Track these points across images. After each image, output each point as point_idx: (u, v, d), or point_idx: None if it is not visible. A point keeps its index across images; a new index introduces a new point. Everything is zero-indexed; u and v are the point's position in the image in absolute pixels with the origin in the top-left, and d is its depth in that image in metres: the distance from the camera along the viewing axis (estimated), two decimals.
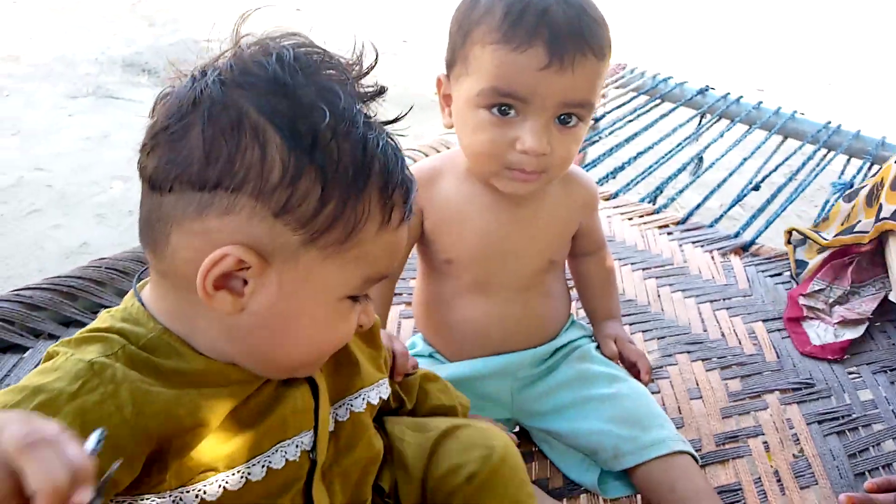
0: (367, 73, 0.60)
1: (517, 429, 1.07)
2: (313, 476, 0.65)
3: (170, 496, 0.56)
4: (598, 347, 1.09)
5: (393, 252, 0.61)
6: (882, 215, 1.34)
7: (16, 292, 1.12)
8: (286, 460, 0.62)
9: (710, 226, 1.67)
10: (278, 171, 0.52)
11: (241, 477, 0.59)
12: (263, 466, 0.61)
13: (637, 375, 1.05)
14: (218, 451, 0.58)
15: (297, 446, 0.63)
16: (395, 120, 0.61)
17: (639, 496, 0.97)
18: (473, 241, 0.95)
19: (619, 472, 0.97)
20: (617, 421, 0.97)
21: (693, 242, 1.60)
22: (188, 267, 0.54)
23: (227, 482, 0.58)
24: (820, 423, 1.13)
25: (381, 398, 0.74)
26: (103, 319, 0.60)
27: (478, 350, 1.01)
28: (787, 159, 1.84)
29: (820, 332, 1.31)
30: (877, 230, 1.34)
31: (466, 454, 0.77)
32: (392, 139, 0.60)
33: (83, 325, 1.12)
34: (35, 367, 1.01)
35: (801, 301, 1.37)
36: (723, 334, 1.32)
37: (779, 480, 1.03)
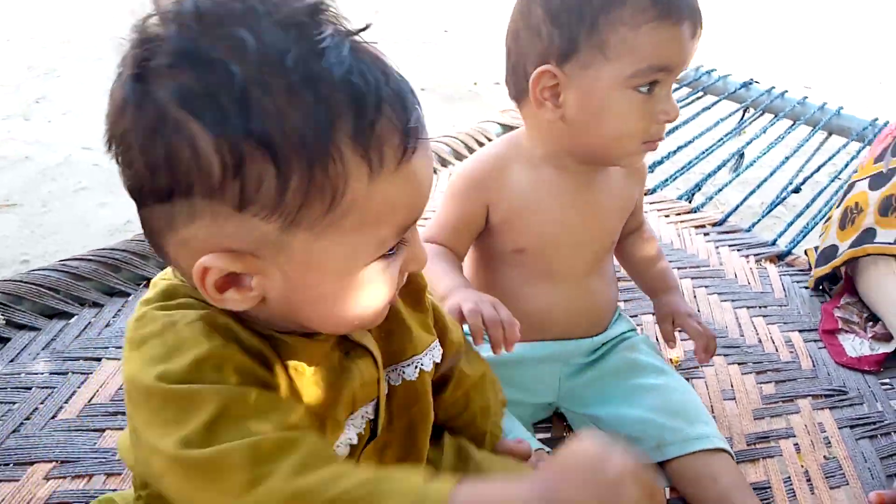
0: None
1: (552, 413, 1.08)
2: (365, 446, 0.65)
3: None
4: (645, 341, 1.10)
5: (409, 194, 0.51)
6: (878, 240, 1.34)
7: (62, 262, 1.17)
8: (357, 433, 0.62)
9: (748, 230, 1.64)
10: (216, 163, 0.45)
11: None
12: (346, 446, 0.61)
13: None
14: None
15: (362, 417, 0.63)
16: (363, 28, 0.50)
17: (667, 489, 0.97)
18: (547, 229, 0.95)
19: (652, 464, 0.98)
20: (662, 411, 0.98)
21: (730, 246, 1.57)
22: (191, 276, 0.50)
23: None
24: (852, 427, 1.12)
25: (434, 363, 0.71)
26: (166, 290, 0.56)
27: (538, 336, 1.00)
28: (830, 158, 1.80)
29: (856, 345, 1.29)
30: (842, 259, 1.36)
31: None
32: (367, 53, 0.48)
33: (126, 294, 1.17)
34: (78, 335, 1.06)
35: (837, 314, 1.35)
36: (759, 340, 1.30)
37: (808, 480, 1.01)
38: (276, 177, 0.45)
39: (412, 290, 0.70)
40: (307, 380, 0.57)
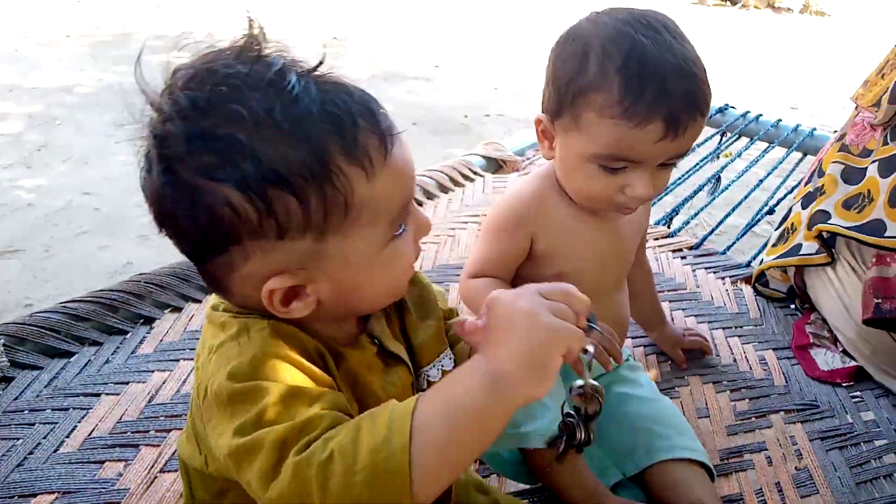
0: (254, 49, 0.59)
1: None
2: None
3: None
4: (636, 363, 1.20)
5: (399, 181, 0.61)
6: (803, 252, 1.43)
7: (63, 304, 1.22)
8: None
9: (723, 252, 1.70)
10: (251, 210, 0.55)
11: None
12: None
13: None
14: None
15: None
16: (318, 65, 0.60)
17: None
18: (582, 254, 1.03)
19: (631, 481, 1.03)
20: (656, 420, 1.06)
21: (706, 268, 1.63)
22: (259, 301, 0.60)
23: None
24: (823, 439, 1.16)
25: (442, 369, 0.78)
26: (225, 322, 0.64)
27: None
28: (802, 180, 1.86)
29: (828, 359, 1.34)
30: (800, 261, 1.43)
31: None
32: (328, 83, 0.58)
33: (124, 332, 1.22)
34: (79, 373, 1.12)
35: (808, 329, 1.40)
36: (734, 360, 1.34)
37: (780, 491, 1.06)
38: (299, 204, 0.56)
39: (424, 301, 0.79)
40: (359, 381, 0.67)
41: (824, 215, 1.37)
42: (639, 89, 0.85)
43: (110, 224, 2.50)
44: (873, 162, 1.35)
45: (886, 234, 1.25)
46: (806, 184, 1.57)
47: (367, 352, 0.69)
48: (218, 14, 5.43)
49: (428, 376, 0.77)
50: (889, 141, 1.34)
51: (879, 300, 1.24)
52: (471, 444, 0.55)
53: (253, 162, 0.54)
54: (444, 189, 1.84)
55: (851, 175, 1.39)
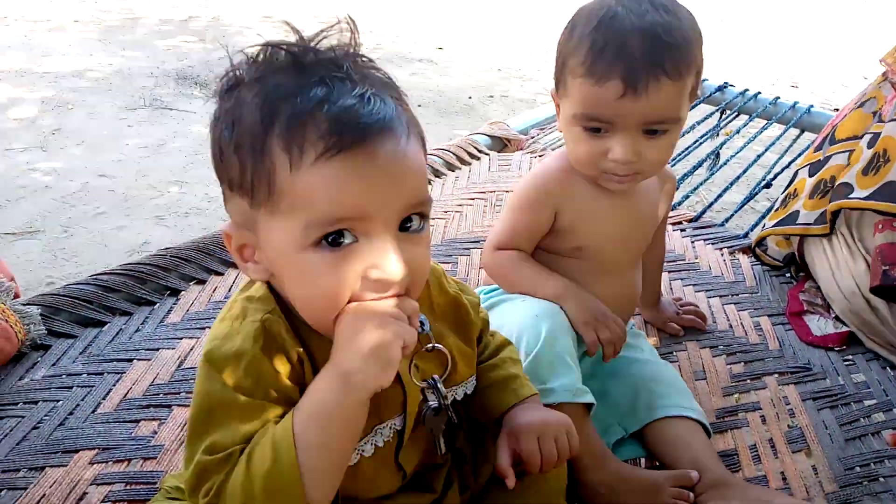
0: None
1: None
2: (400, 448, 0.78)
3: None
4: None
5: (327, 187, 0.60)
6: (800, 221, 1.47)
7: (94, 276, 1.29)
8: (384, 440, 0.75)
9: (722, 224, 1.76)
10: (217, 155, 0.66)
11: (357, 455, 0.72)
12: (372, 444, 0.74)
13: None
14: None
15: (390, 428, 0.75)
16: (356, 57, 0.65)
17: (642, 460, 1.08)
18: (602, 231, 1.10)
19: (632, 438, 1.10)
20: (657, 381, 1.13)
21: (704, 240, 1.69)
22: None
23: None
24: (814, 399, 1.23)
25: (466, 393, 0.84)
26: (235, 301, 0.73)
27: None
28: (801, 154, 1.90)
29: (821, 325, 1.40)
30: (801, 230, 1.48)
31: None
32: (350, 82, 0.62)
33: (152, 303, 1.29)
34: (111, 340, 1.19)
35: (801, 297, 1.46)
36: (730, 326, 1.41)
37: (773, 447, 1.12)
38: (240, 165, 0.63)
39: (461, 323, 0.83)
40: None
41: (847, 188, 1.37)
42: (600, 49, 0.94)
43: (126, 205, 2.56)
44: (891, 120, 1.35)
45: None
46: (816, 150, 1.59)
47: None
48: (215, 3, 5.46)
49: (455, 395, 0.81)
50: None
51: (887, 266, 1.25)
52: (342, 438, 0.65)
53: (233, 127, 0.63)
54: (452, 167, 1.90)
55: (873, 139, 1.39)
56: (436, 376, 0.76)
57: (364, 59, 0.66)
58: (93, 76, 3.76)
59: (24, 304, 1.18)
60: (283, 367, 0.67)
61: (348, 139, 0.59)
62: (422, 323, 0.70)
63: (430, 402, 0.76)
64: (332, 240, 0.62)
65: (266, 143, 0.60)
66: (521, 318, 1.03)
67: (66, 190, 2.63)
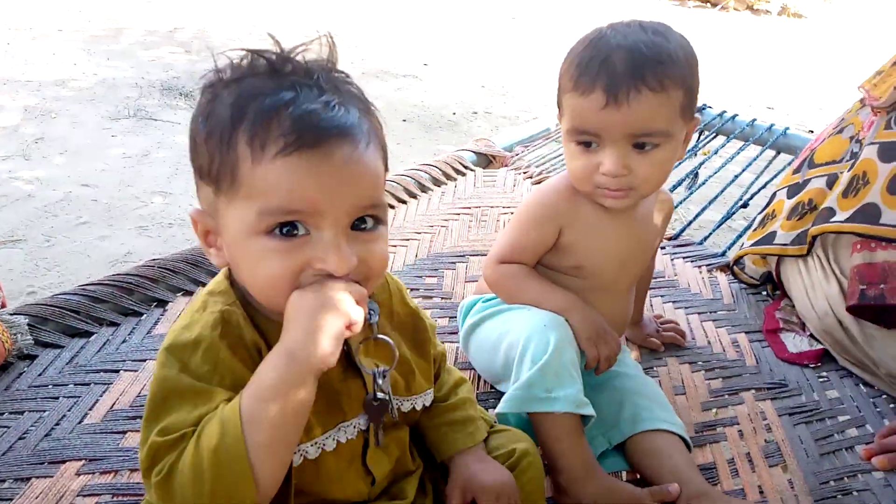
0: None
1: None
2: (367, 451, 0.81)
3: None
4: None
5: (283, 180, 0.65)
6: (777, 241, 1.51)
7: (82, 286, 1.29)
8: (346, 437, 0.78)
9: (700, 242, 1.80)
10: (192, 145, 0.70)
11: (318, 448, 0.75)
12: (333, 440, 0.77)
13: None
14: None
15: (354, 427, 0.79)
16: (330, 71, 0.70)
17: (624, 473, 1.11)
18: (605, 251, 1.12)
19: (615, 450, 1.12)
20: (641, 395, 1.15)
21: (684, 258, 1.73)
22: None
23: (307, 452, 0.75)
24: (791, 415, 1.26)
25: (424, 405, 0.88)
26: (221, 284, 0.77)
27: None
28: (777, 175, 1.96)
29: (796, 342, 1.44)
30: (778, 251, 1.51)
31: (494, 451, 0.93)
32: (303, 89, 0.67)
33: (139, 314, 1.30)
34: (98, 351, 1.19)
35: (777, 315, 1.50)
36: (709, 342, 1.44)
37: (750, 461, 1.15)
38: (209, 155, 0.68)
39: (419, 339, 0.88)
40: None
41: (829, 213, 1.40)
42: (586, 63, 0.99)
43: (109, 215, 2.56)
44: (870, 144, 1.38)
45: (881, 221, 1.29)
46: (794, 173, 1.63)
47: None
48: (208, 9, 5.47)
49: (402, 405, 0.85)
50: (893, 125, 1.37)
51: (864, 286, 1.28)
52: (286, 414, 0.66)
53: (207, 118, 0.68)
54: (438, 182, 1.92)
55: (852, 163, 1.41)
56: (383, 366, 0.78)
57: (339, 73, 0.71)
58: (76, 85, 3.75)
59: (11, 314, 1.18)
60: (239, 353, 0.70)
61: (307, 139, 0.64)
62: (371, 312, 0.73)
63: (377, 394, 0.79)
64: (287, 231, 0.66)
65: (233, 136, 0.66)
66: (529, 326, 1.06)
67: (49, 199, 2.62)
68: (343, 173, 0.66)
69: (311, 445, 0.75)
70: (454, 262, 1.58)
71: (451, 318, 1.38)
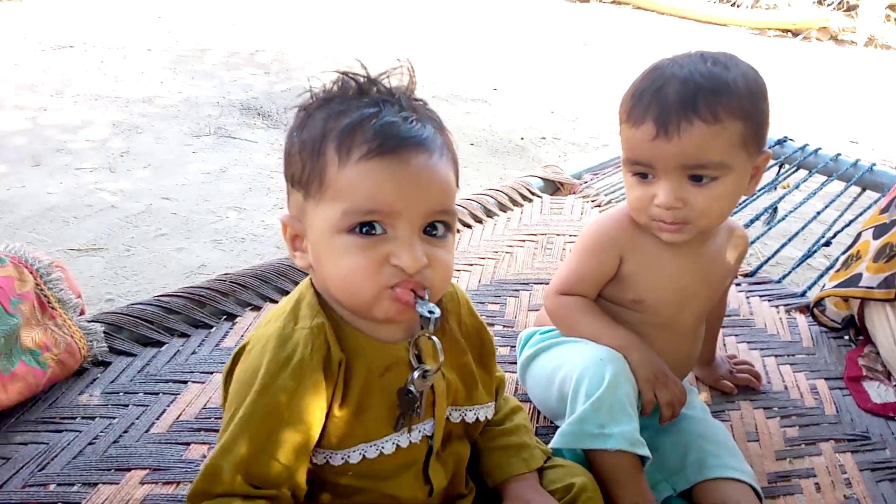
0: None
1: None
2: (430, 458, 0.83)
3: (322, 454, 0.77)
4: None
5: (365, 182, 0.71)
6: (863, 283, 1.43)
7: (156, 297, 1.34)
8: (410, 441, 0.80)
9: (778, 281, 1.72)
10: (286, 156, 0.77)
11: (377, 450, 0.78)
12: (393, 444, 0.79)
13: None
14: (362, 424, 0.78)
15: (419, 431, 0.81)
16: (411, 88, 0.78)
17: None
18: (666, 285, 1.09)
19: (680, 497, 1.07)
20: (708, 439, 1.10)
21: (760, 296, 1.65)
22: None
23: (366, 452, 0.78)
24: (873, 470, 1.18)
25: (487, 417, 0.90)
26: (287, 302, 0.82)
27: None
28: (863, 212, 1.86)
29: (881, 392, 1.35)
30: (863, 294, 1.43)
31: (551, 485, 0.92)
32: (385, 106, 0.73)
33: (209, 327, 1.33)
34: (168, 361, 1.22)
35: (860, 361, 1.42)
36: (786, 387, 1.37)
37: None
38: (302, 163, 0.74)
39: (484, 353, 0.91)
40: (364, 383, 0.78)
41: None
42: (639, 94, 0.97)
43: (187, 227, 2.65)
44: None
45: None
46: (882, 212, 1.56)
47: (396, 354, 0.79)
48: (288, 33, 5.67)
49: (465, 415, 0.87)
50: None
51: None
52: None
53: (304, 129, 0.76)
54: (504, 208, 1.91)
55: None
56: (427, 366, 0.79)
57: (418, 99, 0.78)
58: (162, 102, 3.93)
59: (88, 321, 1.22)
60: (327, 370, 0.75)
61: (387, 146, 0.71)
62: (431, 311, 0.75)
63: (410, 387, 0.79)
64: (366, 231, 0.72)
65: (323, 144, 0.73)
66: (584, 360, 1.03)
67: (131, 210, 2.74)
68: (418, 179, 0.72)
69: (371, 447, 0.78)
70: (517, 290, 1.56)
71: (511, 346, 1.36)
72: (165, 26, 5.53)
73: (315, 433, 0.75)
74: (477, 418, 0.88)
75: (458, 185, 0.79)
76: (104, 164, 3.13)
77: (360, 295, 0.74)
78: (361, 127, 0.71)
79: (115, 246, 2.51)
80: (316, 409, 0.74)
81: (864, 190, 2.06)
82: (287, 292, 1.38)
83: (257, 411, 0.73)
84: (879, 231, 1.49)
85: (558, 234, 1.79)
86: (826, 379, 1.40)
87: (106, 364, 1.22)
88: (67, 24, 5.28)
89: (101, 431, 1.09)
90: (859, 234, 1.57)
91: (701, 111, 0.94)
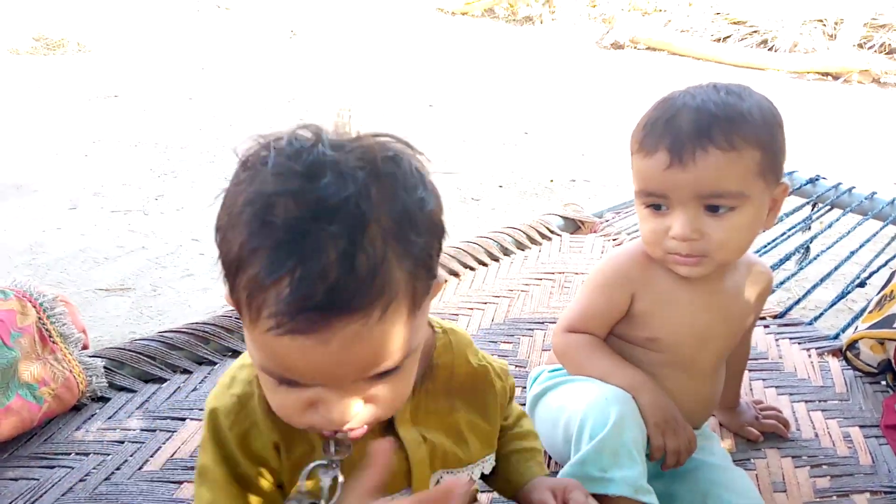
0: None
1: None
2: None
3: None
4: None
5: (274, 356, 0.58)
6: None
7: (160, 333, 1.33)
8: None
9: (810, 323, 1.64)
10: (215, 233, 0.63)
11: None
12: None
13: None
14: None
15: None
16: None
17: None
18: (680, 323, 1.05)
19: None
20: (730, 489, 1.03)
21: (790, 339, 1.57)
22: None
23: None
24: None
25: (484, 472, 0.84)
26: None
27: None
28: None
29: None
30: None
31: None
32: (321, 236, 0.54)
33: (213, 363, 1.31)
34: (168, 398, 1.21)
35: None
36: (816, 434, 1.28)
37: None
38: (224, 270, 0.60)
39: (481, 401, 0.82)
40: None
41: None
42: (652, 124, 0.94)
43: (214, 269, 2.66)
44: None
45: None
46: None
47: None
48: (325, 82, 5.81)
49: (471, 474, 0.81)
50: None
51: None
52: None
53: (226, 228, 0.61)
54: (521, 246, 1.87)
55: None
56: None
57: (391, 162, 0.59)
58: (199, 148, 4.04)
59: (90, 356, 1.22)
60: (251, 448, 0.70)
61: (300, 323, 0.54)
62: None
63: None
64: (289, 382, 0.61)
65: (237, 282, 0.58)
66: (588, 400, 0.97)
67: (160, 251, 2.79)
68: (345, 355, 0.56)
69: None
70: (532, 329, 1.52)
71: (523, 387, 1.31)
72: (208, 77, 5.73)
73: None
74: (471, 478, 0.82)
75: (439, 253, 0.63)
76: (138, 207, 3.20)
77: (288, 422, 0.65)
78: (276, 286, 0.54)
79: (143, 286, 2.54)
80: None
81: None
82: None
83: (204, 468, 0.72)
84: None
85: (577, 273, 1.74)
86: (861, 426, 1.31)
87: (105, 400, 1.21)
88: (116, 74, 5.52)
89: (94, 468, 1.07)
90: (893, 273, 1.49)
91: (716, 138, 0.91)
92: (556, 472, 1.11)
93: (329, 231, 0.54)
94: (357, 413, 0.62)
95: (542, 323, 1.54)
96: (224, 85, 5.53)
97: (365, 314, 0.55)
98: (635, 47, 7.74)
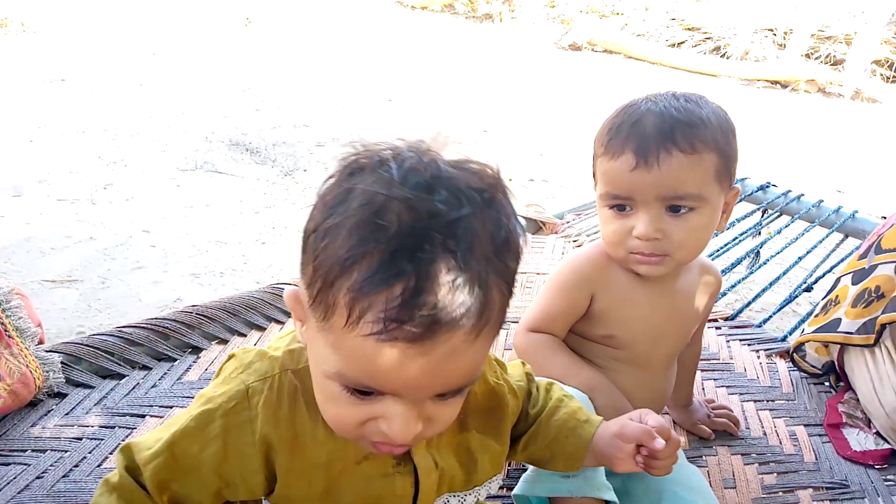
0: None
1: None
2: None
3: None
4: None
5: (370, 361, 0.57)
6: (842, 329, 1.41)
7: (118, 328, 1.30)
8: None
9: (759, 325, 1.70)
10: (303, 239, 0.62)
11: None
12: None
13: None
14: None
15: None
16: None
17: None
18: (637, 321, 1.08)
19: None
20: (683, 486, 1.07)
21: (741, 340, 1.63)
22: None
23: None
24: None
25: (490, 493, 0.83)
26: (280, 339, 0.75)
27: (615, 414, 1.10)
28: (843, 259, 1.86)
29: (861, 440, 1.33)
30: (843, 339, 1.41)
31: None
32: (423, 263, 0.54)
33: (173, 360, 1.29)
34: (127, 394, 1.18)
35: (840, 408, 1.39)
36: (764, 433, 1.34)
37: None
38: (312, 274, 0.59)
39: (495, 420, 0.81)
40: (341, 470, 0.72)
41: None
42: (616, 128, 0.98)
43: (165, 261, 2.61)
44: None
45: None
46: (860, 258, 1.56)
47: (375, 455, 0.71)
48: (279, 72, 5.72)
49: (464, 501, 0.80)
50: None
51: None
52: None
53: (327, 235, 0.59)
54: None
55: None
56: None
57: (497, 204, 0.61)
58: (150, 136, 3.93)
59: (47, 351, 1.19)
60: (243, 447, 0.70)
61: (408, 332, 0.55)
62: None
63: None
64: (359, 392, 0.61)
65: (337, 281, 0.57)
66: None
67: (109, 242, 2.70)
68: (438, 369, 0.58)
69: None
70: (517, 327, 1.53)
71: None
72: (159, 63, 5.57)
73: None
74: (477, 501, 0.82)
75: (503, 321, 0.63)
76: (86, 196, 3.10)
77: (340, 431, 0.66)
78: (388, 292, 0.54)
79: (91, 278, 2.46)
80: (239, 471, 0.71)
81: (846, 237, 2.07)
82: (257, 326, 1.35)
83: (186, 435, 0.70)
84: (858, 277, 1.48)
85: (538, 273, 1.77)
86: (805, 425, 1.37)
87: (62, 396, 1.18)
88: (63, 57, 5.32)
89: (51, 465, 1.04)
90: (838, 280, 1.56)
91: (679, 142, 0.95)
92: (520, 471, 1.13)
93: (445, 245, 0.55)
94: (416, 432, 0.62)
95: (505, 322, 1.55)
96: (177, 71, 5.38)
97: (469, 331, 0.56)
98: (593, 49, 7.85)
